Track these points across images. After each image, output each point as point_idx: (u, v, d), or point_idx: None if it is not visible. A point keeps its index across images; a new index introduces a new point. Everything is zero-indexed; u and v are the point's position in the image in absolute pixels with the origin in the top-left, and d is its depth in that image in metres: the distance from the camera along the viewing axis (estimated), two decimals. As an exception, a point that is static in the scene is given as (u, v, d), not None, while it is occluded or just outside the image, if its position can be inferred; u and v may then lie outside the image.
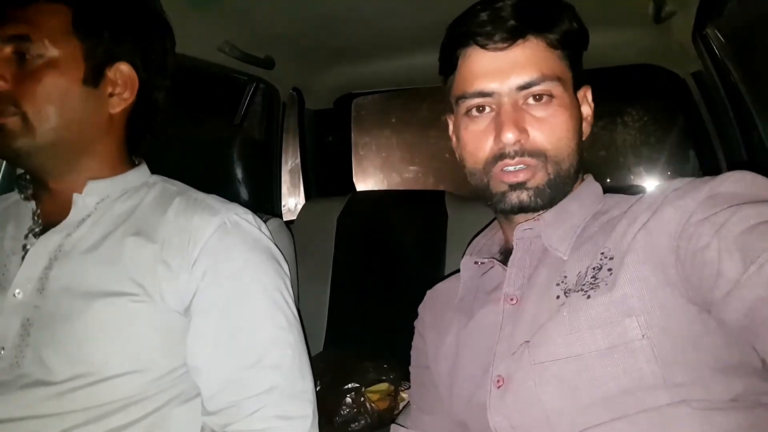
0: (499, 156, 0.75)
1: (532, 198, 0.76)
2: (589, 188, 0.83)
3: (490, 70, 0.76)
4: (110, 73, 0.86)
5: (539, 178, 0.76)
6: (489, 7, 0.76)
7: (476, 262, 0.88)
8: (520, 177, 0.75)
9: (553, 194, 0.77)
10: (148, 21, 0.92)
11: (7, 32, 0.80)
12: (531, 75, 0.74)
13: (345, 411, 1.44)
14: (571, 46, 0.78)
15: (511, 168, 0.75)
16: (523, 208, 0.77)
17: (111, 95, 0.87)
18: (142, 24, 0.91)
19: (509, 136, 0.73)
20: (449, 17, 0.83)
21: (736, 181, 0.65)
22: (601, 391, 0.65)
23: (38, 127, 0.80)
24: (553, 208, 0.79)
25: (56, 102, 0.81)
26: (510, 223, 0.84)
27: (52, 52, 0.81)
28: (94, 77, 0.85)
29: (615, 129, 2.57)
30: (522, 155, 0.74)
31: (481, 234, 0.96)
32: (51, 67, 0.81)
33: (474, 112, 0.78)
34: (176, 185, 0.95)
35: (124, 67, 0.87)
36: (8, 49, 0.80)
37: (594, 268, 0.71)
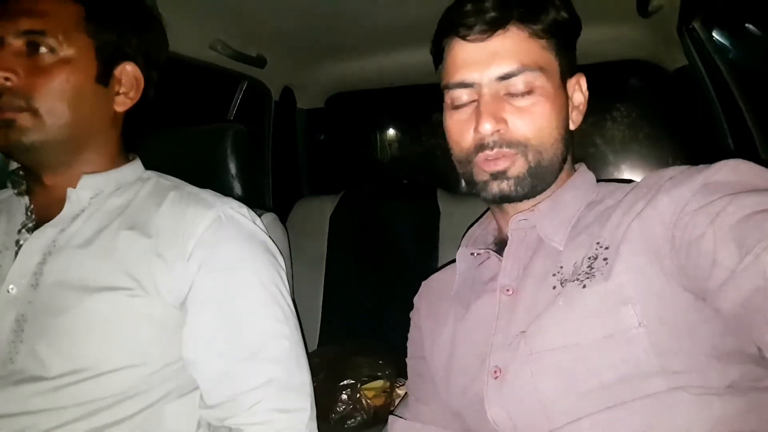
0: (480, 146, 0.76)
1: (513, 187, 0.76)
2: (582, 177, 0.84)
3: (471, 60, 0.77)
4: (117, 72, 0.87)
5: (519, 167, 0.76)
6: None
7: (472, 253, 0.88)
8: (500, 165, 0.76)
9: (534, 183, 0.77)
10: (149, 19, 0.93)
11: (21, 26, 0.79)
12: (510, 65, 0.75)
13: (341, 408, 1.44)
14: (558, 34, 0.78)
15: (491, 157, 0.76)
16: (504, 198, 0.78)
17: (117, 94, 0.88)
18: (144, 22, 0.92)
19: (486, 126, 0.74)
20: (441, 12, 0.83)
21: (732, 170, 0.64)
22: (598, 379, 0.65)
23: (50, 124, 0.80)
24: (547, 198, 0.80)
25: (69, 99, 0.81)
26: (502, 213, 0.84)
27: (66, 48, 0.80)
28: (105, 75, 0.85)
29: (604, 125, 2.58)
30: (501, 146, 0.75)
31: (476, 224, 0.96)
32: (65, 64, 0.80)
33: (457, 101, 0.79)
34: (170, 180, 0.96)
35: (129, 68, 0.88)
36: (20, 43, 0.79)
37: (590, 258, 0.71)
